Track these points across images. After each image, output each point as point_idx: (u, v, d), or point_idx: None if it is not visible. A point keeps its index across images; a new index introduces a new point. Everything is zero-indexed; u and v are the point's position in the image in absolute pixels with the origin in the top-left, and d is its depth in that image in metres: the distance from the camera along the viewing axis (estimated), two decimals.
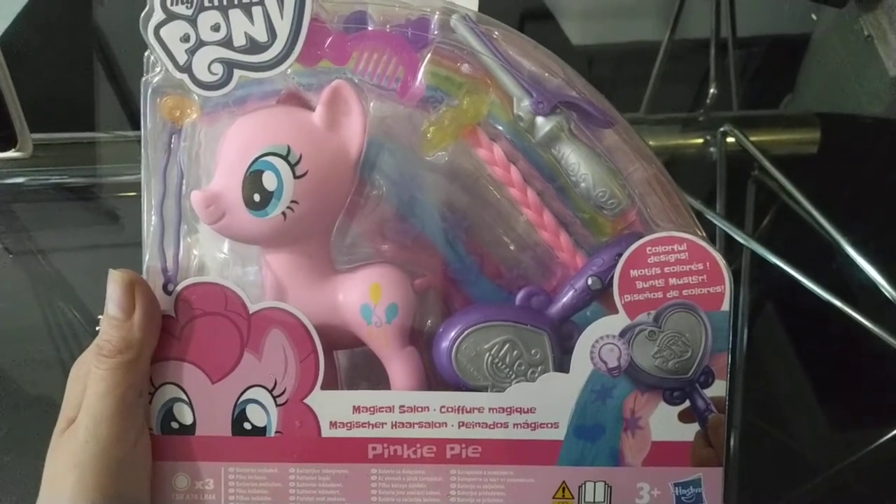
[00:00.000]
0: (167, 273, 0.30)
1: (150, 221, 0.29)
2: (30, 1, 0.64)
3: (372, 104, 0.30)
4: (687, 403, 0.30)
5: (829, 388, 0.53)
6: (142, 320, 0.28)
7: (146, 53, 0.29)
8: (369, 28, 0.30)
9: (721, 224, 0.49)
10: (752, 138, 0.54)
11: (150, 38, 0.29)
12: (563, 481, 0.30)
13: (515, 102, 0.30)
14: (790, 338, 0.53)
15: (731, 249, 0.50)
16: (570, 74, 0.31)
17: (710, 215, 0.49)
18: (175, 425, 0.29)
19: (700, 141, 0.56)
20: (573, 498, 0.30)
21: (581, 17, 0.69)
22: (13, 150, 0.37)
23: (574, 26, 0.67)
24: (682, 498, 0.30)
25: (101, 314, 0.29)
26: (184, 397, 0.29)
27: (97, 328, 0.30)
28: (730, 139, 0.55)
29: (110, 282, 0.28)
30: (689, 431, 0.30)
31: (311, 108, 0.30)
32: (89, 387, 0.28)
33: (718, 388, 0.30)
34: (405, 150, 0.31)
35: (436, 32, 0.30)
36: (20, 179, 0.55)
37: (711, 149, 0.55)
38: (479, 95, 0.30)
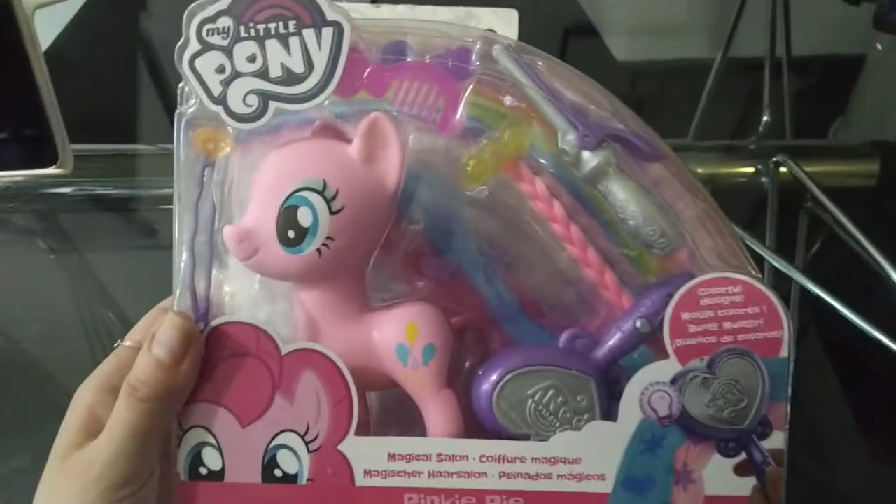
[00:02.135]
0: (198, 312, 0.29)
1: (180, 257, 0.28)
2: (79, 11, 0.64)
3: (411, 137, 0.29)
4: (743, 455, 0.28)
5: (873, 425, 0.51)
6: (190, 370, 0.27)
7: (180, 85, 0.28)
8: (408, 59, 0.29)
9: (769, 257, 0.47)
10: (806, 169, 0.52)
11: (185, 70, 0.28)
12: None
13: (560, 135, 0.29)
14: (836, 372, 0.51)
15: (779, 282, 0.48)
16: (616, 105, 0.29)
17: (757, 247, 0.47)
18: (203, 471, 0.28)
19: (751, 170, 0.54)
20: None
21: (626, 33, 0.67)
22: (54, 166, 0.38)
23: (619, 42, 0.65)
24: None
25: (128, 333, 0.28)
26: (213, 441, 0.28)
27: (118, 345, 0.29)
28: (782, 169, 0.53)
29: (168, 325, 0.27)
30: (746, 486, 0.28)
31: (348, 140, 0.29)
32: (115, 425, 0.27)
33: (776, 440, 0.28)
34: (444, 184, 0.30)
35: (477, 63, 0.29)
36: (65, 190, 0.55)
37: (763, 178, 0.53)
38: (521, 128, 0.29)
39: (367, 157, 0.28)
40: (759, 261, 0.48)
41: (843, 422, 0.51)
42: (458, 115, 0.29)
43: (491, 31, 0.31)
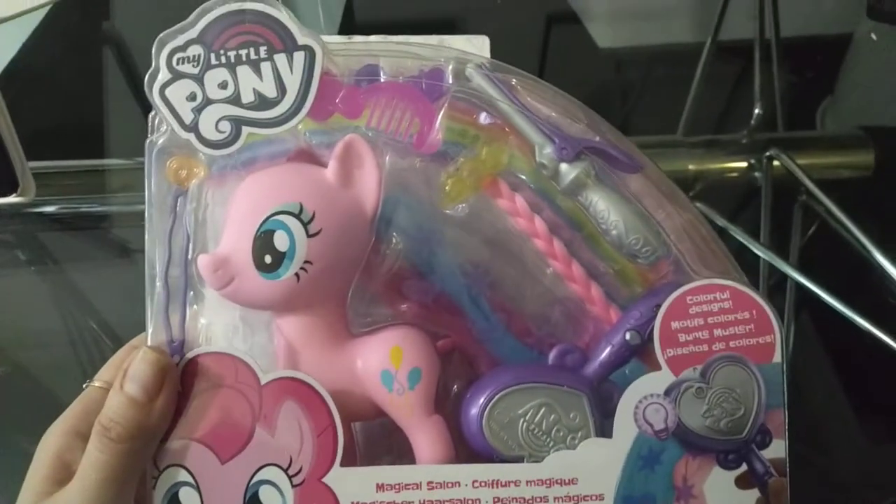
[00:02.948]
0: (172, 345, 0.27)
1: (153, 290, 0.28)
2: (44, 18, 0.63)
3: (387, 158, 0.29)
4: (744, 467, 0.27)
5: (869, 414, 0.50)
6: (165, 407, 0.26)
7: (151, 114, 0.28)
8: (382, 80, 0.29)
9: (762, 253, 0.45)
10: (799, 161, 0.51)
11: (156, 99, 0.27)
12: None
13: (537, 150, 0.29)
14: (834, 365, 0.50)
15: (775, 277, 0.47)
16: (593, 119, 0.29)
17: (750, 244, 0.46)
18: None
19: (744, 165, 0.52)
20: None
21: (608, 19, 0.65)
22: (14, 194, 0.37)
23: (601, 28, 0.63)
24: None
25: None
26: (191, 480, 0.27)
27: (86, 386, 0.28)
28: (775, 163, 0.51)
29: (140, 360, 0.26)
30: (749, 499, 0.27)
31: (324, 165, 0.29)
32: (87, 469, 0.26)
33: (777, 449, 0.27)
34: (423, 205, 0.29)
35: (451, 82, 0.29)
36: (40, 209, 0.54)
37: (756, 173, 0.51)
38: (498, 145, 0.29)
39: (344, 180, 0.28)
40: (755, 258, 0.47)
41: (840, 411, 0.50)
42: (434, 135, 0.29)
43: (463, 51, 0.31)
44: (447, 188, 0.29)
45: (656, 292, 0.28)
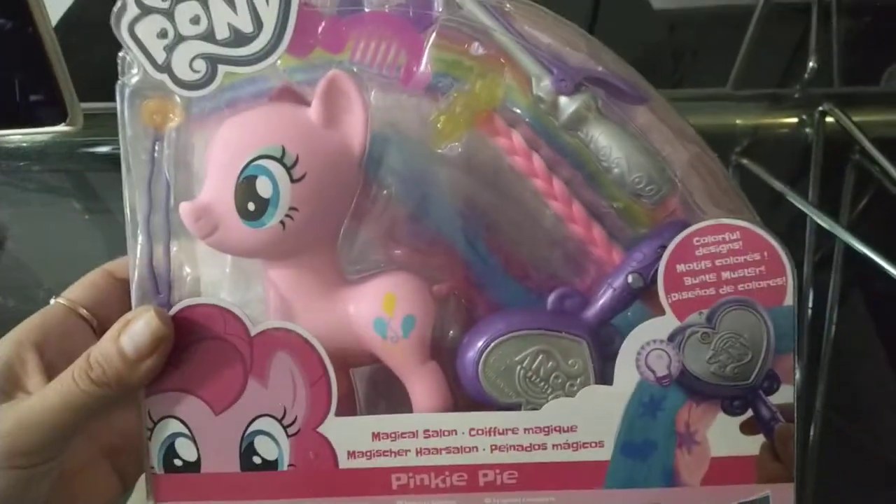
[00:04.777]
0: (159, 296, 0.27)
1: (136, 240, 0.27)
2: None
3: (374, 95, 0.27)
4: (750, 413, 0.26)
5: None
6: (149, 371, 0.25)
7: (120, 54, 0.26)
8: (366, 10, 0.27)
9: (812, 213, 0.43)
10: (855, 118, 0.47)
11: (125, 37, 0.26)
12: None
13: (534, 82, 0.27)
14: (880, 334, 0.48)
15: (824, 239, 0.45)
16: (594, 47, 0.27)
17: (799, 203, 0.43)
18: (178, 462, 0.27)
19: (794, 120, 0.49)
20: None
21: None
22: (63, 123, 0.36)
23: None
24: None
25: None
26: (186, 431, 0.27)
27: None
28: (829, 119, 0.48)
29: (143, 321, 0.25)
30: (754, 444, 0.26)
31: (308, 104, 0.27)
32: (53, 391, 0.25)
33: (785, 395, 0.26)
34: (414, 144, 0.28)
35: (440, 10, 0.27)
36: (95, 149, 0.52)
37: (807, 129, 0.48)
38: (493, 77, 0.27)
39: (328, 120, 0.26)
40: (802, 217, 0.44)
41: (888, 385, 0.48)
42: (422, 68, 0.27)
43: None
44: (439, 126, 0.27)
45: (661, 232, 0.27)
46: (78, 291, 0.29)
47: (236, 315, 0.26)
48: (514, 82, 0.27)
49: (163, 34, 0.26)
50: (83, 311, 0.29)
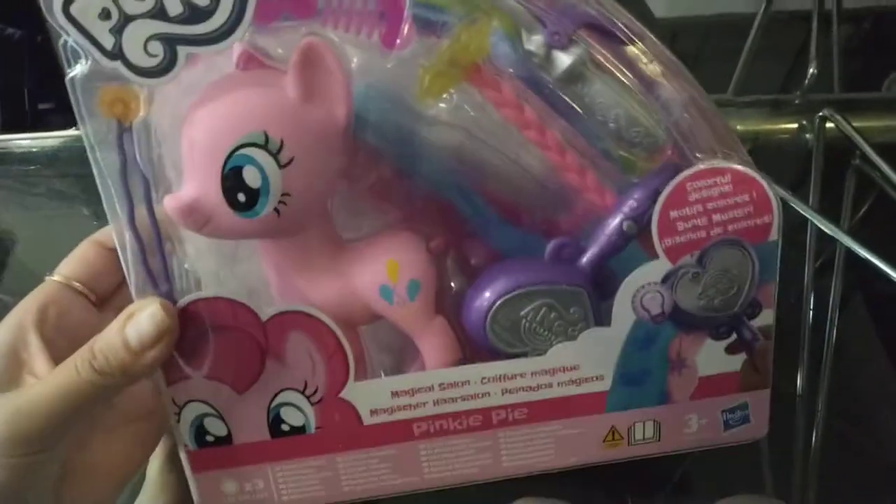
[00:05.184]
0: (159, 291, 0.26)
1: (123, 240, 0.25)
2: None
3: (354, 60, 0.25)
4: (734, 336, 0.29)
5: None
6: (152, 362, 0.25)
7: (61, 41, 0.23)
8: None
9: (813, 218, 0.44)
10: (855, 124, 0.48)
11: (61, 22, 0.22)
12: (613, 426, 0.29)
13: (525, 35, 0.25)
14: (881, 336, 0.50)
15: (825, 244, 0.46)
16: None
17: (801, 208, 0.43)
18: (210, 438, 0.28)
19: (795, 126, 0.50)
20: (623, 439, 0.30)
21: None
22: (73, 128, 0.34)
23: None
24: (730, 421, 0.30)
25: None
26: (213, 411, 0.28)
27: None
28: (829, 125, 0.49)
29: (147, 314, 0.25)
30: (737, 362, 0.29)
31: (275, 69, 0.25)
32: (54, 379, 0.25)
33: (766, 317, 0.28)
34: (400, 103, 0.26)
35: None
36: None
37: (808, 135, 0.49)
38: (480, 26, 0.25)
39: (307, 93, 0.25)
40: (804, 222, 0.45)
41: (889, 389, 0.49)
42: (403, 28, 0.24)
43: None
44: (426, 83, 0.26)
45: (654, 178, 0.27)
46: (71, 266, 0.29)
47: (244, 305, 0.26)
48: (502, 31, 0.25)
49: (105, 15, 0.23)
50: (78, 286, 0.29)
